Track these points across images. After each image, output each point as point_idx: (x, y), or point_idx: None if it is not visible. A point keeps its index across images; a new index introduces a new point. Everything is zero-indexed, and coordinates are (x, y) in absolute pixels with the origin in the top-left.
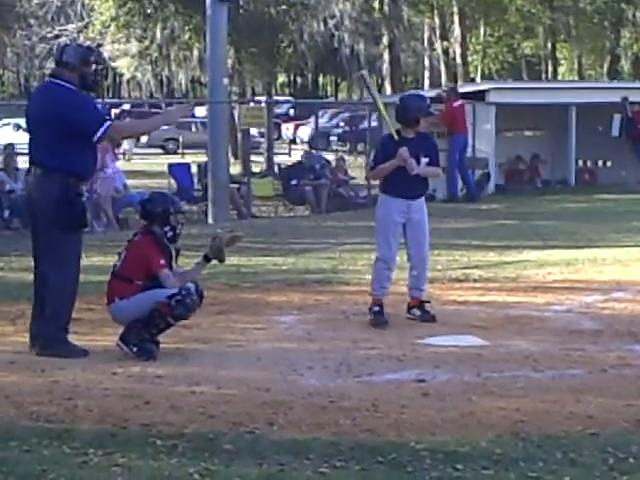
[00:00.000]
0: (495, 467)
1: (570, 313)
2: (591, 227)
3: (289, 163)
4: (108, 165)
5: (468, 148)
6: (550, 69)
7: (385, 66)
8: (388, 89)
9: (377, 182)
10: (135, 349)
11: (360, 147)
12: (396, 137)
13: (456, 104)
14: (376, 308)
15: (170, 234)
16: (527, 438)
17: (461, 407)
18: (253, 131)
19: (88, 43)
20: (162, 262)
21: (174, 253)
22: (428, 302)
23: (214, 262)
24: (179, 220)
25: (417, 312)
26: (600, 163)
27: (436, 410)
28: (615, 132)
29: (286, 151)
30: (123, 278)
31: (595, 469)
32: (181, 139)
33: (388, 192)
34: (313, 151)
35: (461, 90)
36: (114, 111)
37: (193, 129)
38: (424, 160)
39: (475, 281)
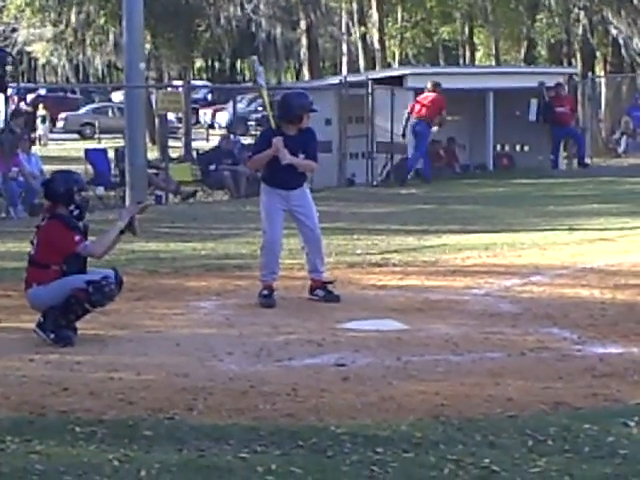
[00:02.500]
0: (415, 450)
1: (489, 297)
2: (509, 211)
3: (207, 148)
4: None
5: (387, 133)
6: (467, 54)
7: (303, 51)
8: (306, 74)
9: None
10: (52, 335)
11: None
12: (274, 126)
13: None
14: (265, 292)
15: (76, 212)
16: (447, 421)
17: (381, 391)
18: (171, 116)
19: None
20: (77, 238)
21: (87, 229)
22: (331, 282)
23: (132, 247)
24: (84, 198)
25: (321, 293)
26: (518, 148)
27: (356, 394)
28: (532, 117)
29: (204, 136)
30: (39, 264)
31: (514, 451)
32: (97, 124)
33: (267, 182)
34: (231, 136)
35: (379, 75)
36: (29, 96)
37: (110, 114)
38: (301, 156)
39: (394, 265)
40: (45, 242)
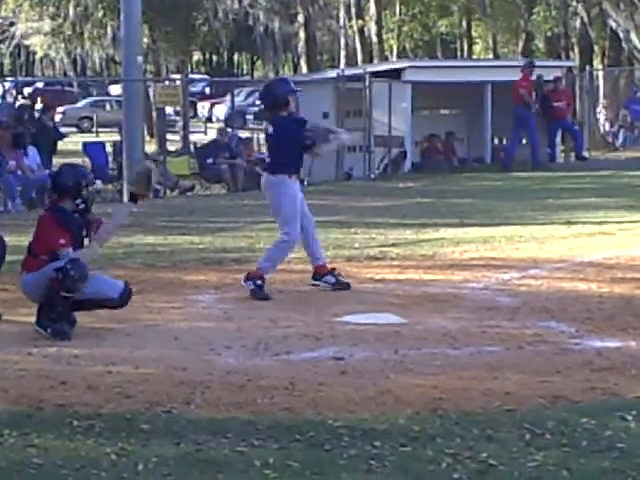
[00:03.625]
0: (413, 444)
1: (487, 290)
2: (507, 205)
3: (205, 142)
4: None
5: (385, 127)
6: (465, 47)
7: (301, 44)
8: (304, 68)
9: None
10: (49, 330)
11: None
12: None
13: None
14: (260, 282)
15: (82, 206)
16: (445, 415)
17: (379, 385)
18: (169, 110)
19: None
20: (62, 241)
21: (91, 223)
22: (334, 270)
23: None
24: (90, 192)
25: (331, 279)
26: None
27: (354, 388)
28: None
29: (202, 130)
30: (32, 253)
31: (512, 445)
32: (95, 118)
33: (293, 170)
34: (229, 129)
35: (376, 69)
36: (27, 90)
37: (108, 108)
38: None
39: (392, 259)
40: (38, 232)
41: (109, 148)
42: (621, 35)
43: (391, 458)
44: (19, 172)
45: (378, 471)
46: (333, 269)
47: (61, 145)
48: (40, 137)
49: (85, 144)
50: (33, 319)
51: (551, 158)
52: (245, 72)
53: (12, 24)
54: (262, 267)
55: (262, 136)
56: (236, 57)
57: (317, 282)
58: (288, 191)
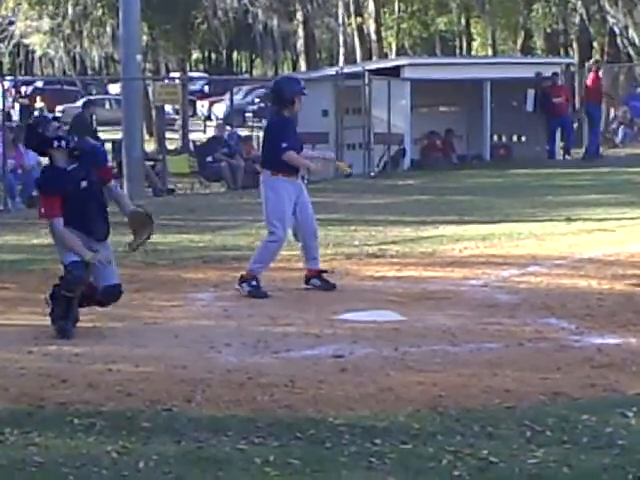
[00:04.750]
0: (413, 441)
1: (486, 287)
2: (506, 202)
3: (204, 140)
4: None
5: (385, 124)
6: (464, 45)
7: (300, 42)
8: (303, 66)
9: None
10: (55, 327)
11: None
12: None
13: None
14: (254, 282)
15: (63, 144)
16: (445, 412)
17: (379, 382)
18: (168, 108)
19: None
20: (41, 211)
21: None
22: (326, 272)
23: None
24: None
25: (317, 282)
26: (515, 138)
27: (354, 385)
28: (529, 107)
29: (201, 128)
30: None
31: (512, 442)
32: (94, 116)
33: (288, 171)
34: (227, 127)
35: (375, 66)
36: (25, 89)
37: (107, 106)
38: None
39: (392, 256)
40: None
41: (108, 146)
42: (617, 31)
43: (391, 455)
44: (19, 171)
45: (378, 468)
46: (323, 271)
47: None
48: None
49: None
50: (34, 317)
51: (550, 155)
52: (244, 70)
53: (11, 23)
54: (252, 269)
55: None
56: (235, 55)
57: (307, 285)
58: (277, 189)
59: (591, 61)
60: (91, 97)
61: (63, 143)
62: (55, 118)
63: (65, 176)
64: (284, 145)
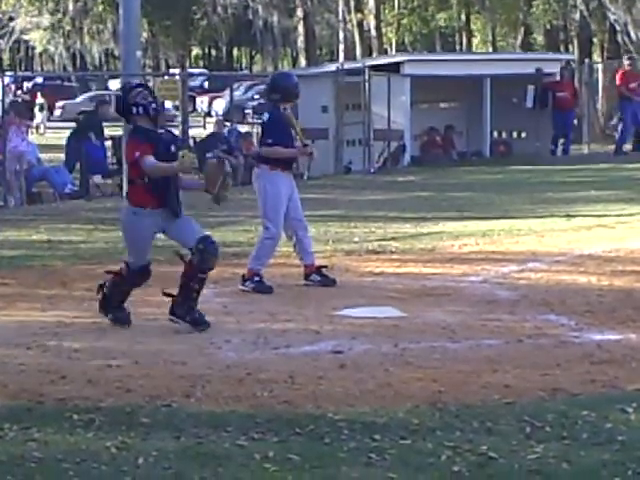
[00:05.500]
0: (413, 437)
1: (486, 284)
2: (506, 198)
3: (204, 136)
4: (12, 140)
5: (384, 120)
6: (464, 41)
7: (300, 39)
8: (303, 62)
9: None
10: (188, 319)
11: None
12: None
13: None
14: (257, 278)
15: (140, 110)
16: (444, 408)
17: (378, 378)
18: (168, 104)
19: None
20: (135, 155)
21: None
22: (325, 267)
23: None
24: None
25: (316, 277)
26: (515, 134)
27: (353, 381)
28: (529, 103)
29: (201, 124)
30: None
31: (512, 438)
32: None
33: (282, 165)
34: (227, 123)
35: (375, 63)
36: (26, 84)
37: None
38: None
39: (392, 253)
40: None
41: (108, 142)
42: (618, 28)
43: (391, 451)
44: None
45: (378, 464)
46: (322, 266)
47: (60, 140)
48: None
49: None
50: (33, 313)
51: (553, 153)
52: (244, 67)
53: (11, 19)
54: (252, 267)
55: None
56: (235, 51)
57: (306, 282)
58: (276, 183)
59: (624, 58)
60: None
61: (141, 109)
62: (140, 85)
63: (156, 135)
64: (269, 141)
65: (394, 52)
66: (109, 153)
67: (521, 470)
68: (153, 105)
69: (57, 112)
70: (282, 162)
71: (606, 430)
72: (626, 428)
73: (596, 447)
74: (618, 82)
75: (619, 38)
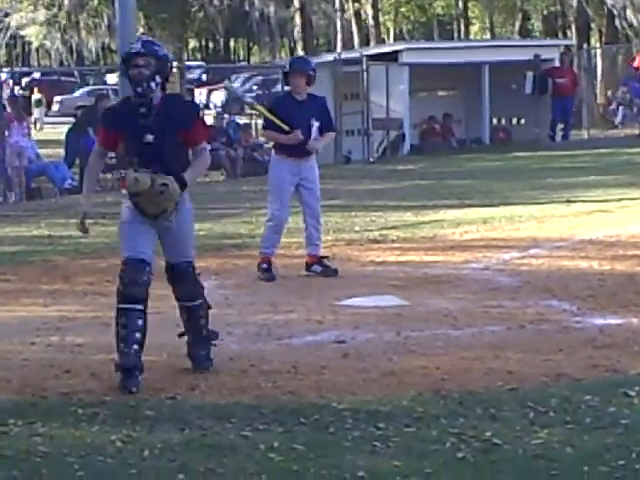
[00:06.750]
0: (417, 424)
1: (488, 270)
2: (507, 185)
3: None
4: (13, 135)
5: (383, 110)
6: (462, 28)
7: (297, 29)
8: (300, 52)
9: None
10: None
11: None
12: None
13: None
14: (265, 265)
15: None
16: (448, 395)
17: (382, 367)
18: None
19: None
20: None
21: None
22: (327, 257)
23: None
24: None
25: (318, 268)
26: (514, 121)
27: (357, 370)
28: (528, 89)
29: None
30: None
31: (515, 423)
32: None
33: (281, 151)
34: (226, 115)
35: (373, 52)
36: (24, 80)
37: None
38: (316, 124)
39: (393, 241)
40: None
41: None
42: (615, 13)
43: (395, 439)
44: (16, 163)
45: (382, 452)
46: (324, 257)
47: (58, 135)
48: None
49: None
50: (35, 309)
51: (552, 139)
52: (241, 58)
53: (7, 15)
54: (261, 252)
55: (260, 122)
56: (232, 43)
57: (308, 272)
58: (278, 167)
59: None
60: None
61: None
62: None
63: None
64: (264, 124)
65: (392, 41)
66: None
67: (525, 455)
68: None
69: (55, 107)
70: (284, 147)
71: (609, 414)
72: (629, 412)
73: (600, 431)
74: (638, 64)
75: (617, 23)
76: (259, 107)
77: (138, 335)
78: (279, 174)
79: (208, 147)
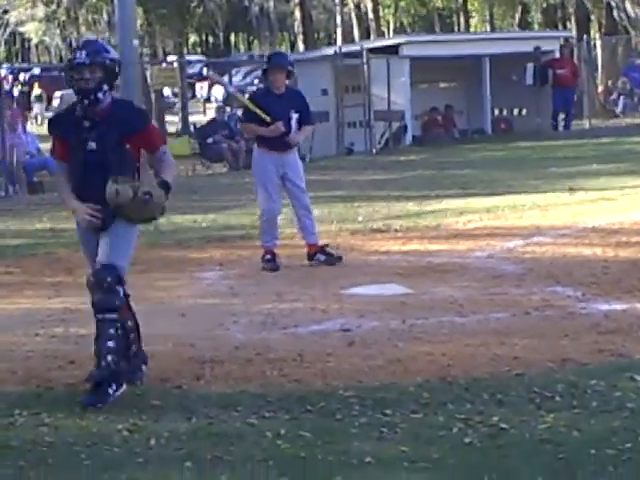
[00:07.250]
0: (424, 410)
1: (492, 259)
2: (509, 174)
3: (204, 122)
4: (17, 130)
5: (385, 101)
6: (462, 21)
7: (297, 23)
8: (301, 46)
9: None
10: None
11: None
12: (269, 119)
13: None
14: (268, 256)
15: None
16: (454, 381)
17: (387, 354)
18: (167, 91)
19: None
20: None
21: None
22: (327, 245)
23: None
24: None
25: (322, 257)
26: (516, 111)
27: (362, 358)
28: (529, 80)
29: (201, 110)
30: None
31: (522, 408)
32: None
33: (262, 144)
34: (227, 108)
35: (374, 45)
36: (23, 76)
37: None
38: (295, 116)
39: (396, 231)
40: None
41: None
42: (614, 4)
43: (402, 425)
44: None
45: (389, 438)
46: (325, 245)
47: None
48: None
49: None
50: (39, 301)
51: (554, 128)
52: (242, 52)
53: (6, 12)
54: (262, 244)
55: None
56: (232, 38)
57: (311, 262)
58: (260, 161)
59: None
60: None
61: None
62: None
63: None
64: (242, 117)
65: (392, 34)
66: None
67: (532, 439)
68: None
69: (55, 102)
70: (265, 141)
71: (615, 398)
72: (635, 395)
73: (606, 415)
74: None
75: (615, 14)
76: (241, 97)
77: (111, 344)
78: (263, 167)
79: (168, 150)
